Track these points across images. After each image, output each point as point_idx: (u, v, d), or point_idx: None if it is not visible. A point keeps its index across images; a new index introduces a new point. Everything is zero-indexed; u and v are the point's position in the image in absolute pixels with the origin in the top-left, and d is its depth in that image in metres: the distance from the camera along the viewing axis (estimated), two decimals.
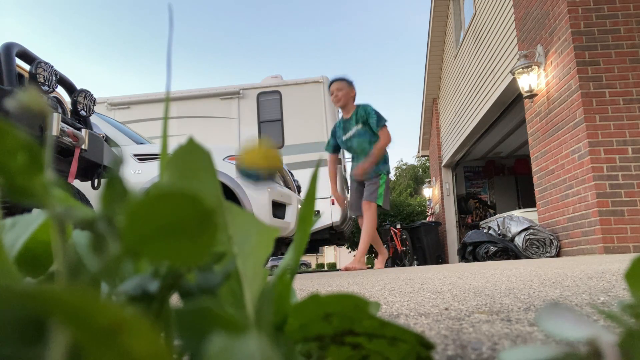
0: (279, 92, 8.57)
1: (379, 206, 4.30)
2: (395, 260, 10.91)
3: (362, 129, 4.29)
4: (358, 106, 4.36)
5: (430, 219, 13.43)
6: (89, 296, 0.18)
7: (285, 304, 0.35)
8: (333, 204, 7.76)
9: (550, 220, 5.62)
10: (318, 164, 0.39)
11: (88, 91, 3.12)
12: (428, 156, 14.94)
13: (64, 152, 2.73)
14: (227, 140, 8.38)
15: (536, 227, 5.60)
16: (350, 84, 4.40)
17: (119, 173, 0.29)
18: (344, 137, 4.40)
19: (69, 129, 2.68)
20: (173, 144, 0.35)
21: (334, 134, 4.53)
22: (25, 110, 0.29)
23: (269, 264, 17.72)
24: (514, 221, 5.88)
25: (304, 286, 2.05)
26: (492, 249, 5.82)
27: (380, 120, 4.24)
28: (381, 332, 0.35)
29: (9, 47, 2.57)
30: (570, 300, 1.04)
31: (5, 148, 0.26)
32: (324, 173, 7.95)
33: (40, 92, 0.31)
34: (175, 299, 0.31)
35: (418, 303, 1.15)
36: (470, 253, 6.26)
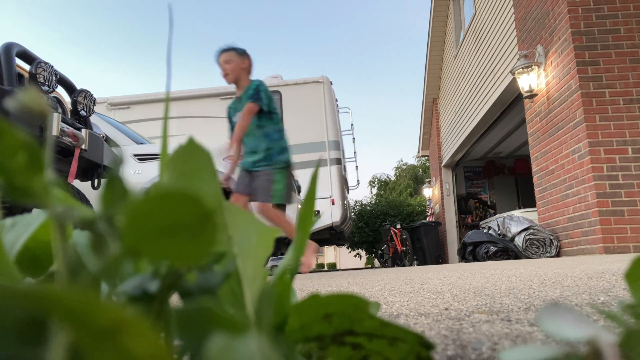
0: (279, 92, 8.57)
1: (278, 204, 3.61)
2: (395, 260, 10.91)
3: None
4: (251, 81, 3.63)
5: (430, 219, 13.43)
6: (89, 296, 0.18)
7: (285, 304, 0.35)
8: (333, 204, 7.77)
9: (550, 220, 5.62)
10: (318, 164, 0.39)
11: (88, 91, 3.12)
12: (428, 156, 14.94)
13: (64, 152, 2.73)
14: (227, 140, 8.37)
15: (536, 227, 5.60)
16: (241, 54, 3.67)
17: (119, 173, 0.29)
18: (234, 119, 3.69)
19: (69, 129, 2.68)
20: (173, 144, 0.35)
21: (228, 116, 3.82)
22: (25, 110, 0.29)
23: (269, 264, 17.72)
24: (514, 221, 5.89)
25: (304, 286, 2.05)
26: (492, 249, 5.82)
27: (254, 98, 3.50)
28: (381, 332, 0.35)
29: (9, 47, 2.58)
30: (570, 300, 1.04)
31: (5, 148, 0.26)
32: (324, 173, 7.98)
33: (40, 92, 0.31)
34: (175, 299, 0.31)
35: (418, 303, 1.15)
36: (470, 253, 6.26)
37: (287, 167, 3.66)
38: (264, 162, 3.58)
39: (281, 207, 3.77)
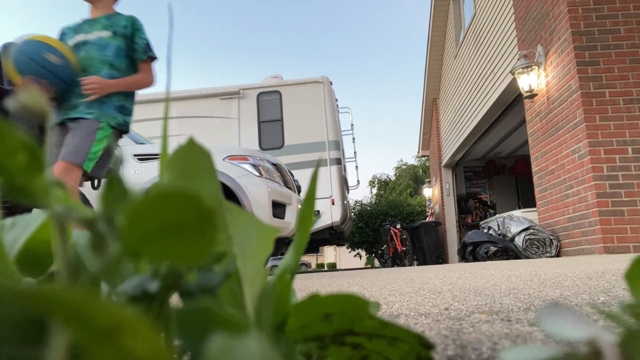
0: (279, 92, 8.57)
1: (88, 175, 2.55)
2: (395, 260, 10.91)
3: (109, 40, 2.67)
4: (120, 14, 2.80)
5: (430, 219, 13.43)
6: (89, 296, 0.18)
7: (285, 304, 0.35)
8: (333, 204, 7.77)
9: (550, 220, 5.62)
10: (318, 164, 0.39)
11: None
12: (428, 156, 14.94)
13: None
14: (227, 140, 8.39)
15: (536, 227, 5.60)
16: None
17: (119, 173, 0.29)
18: (72, 41, 2.71)
19: None
20: (173, 144, 0.35)
21: (61, 37, 2.79)
22: (25, 110, 0.29)
23: (269, 264, 17.73)
24: (514, 221, 5.88)
25: (304, 286, 2.05)
26: (492, 249, 5.81)
27: (151, 50, 2.77)
28: (381, 332, 0.35)
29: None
30: (570, 300, 1.04)
31: (5, 148, 0.26)
32: (324, 173, 7.98)
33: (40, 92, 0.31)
34: (175, 299, 0.31)
35: (418, 303, 1.15)
36: (470, 253, 6.26)
37: (119, 132, 2.73)
38: (94, 110, 2.59)
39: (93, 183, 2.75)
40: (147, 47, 2.78)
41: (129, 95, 2.79)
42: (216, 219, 0.25)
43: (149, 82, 2.81)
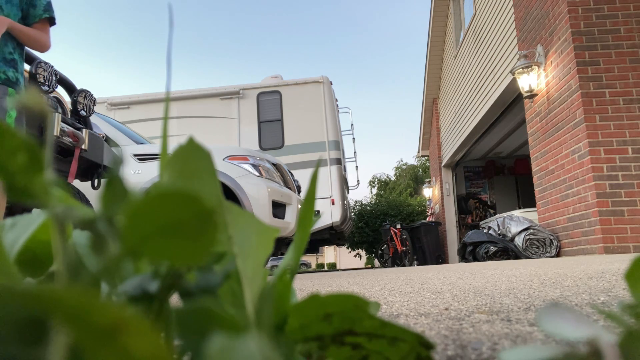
0: (279, 92, 8.57)
1: None
2: (395, 260, 10.90)
3: None
4: None
5: (430, 219, 13.43)
6: (89, 296, 0.18)
7: (285, 304, 0.35)
8: (333, 204, 7.77)
9: (550, 220, 5.62)
10: (318, 164, 0.39)
11: (88, 91, 3.12)
12: (428, 156, 14.94)
13: (64, 152, 2.73)
14: (227, 140, 8.39)
15: (536, 227, 5.60)
16: None
17: (119, 173, 0.29)
18: None
19: (69, 129, 2.68)
20: (173, 144, 0.35)
21: None
22: (25, 110, 0.29)
23: (269, 264, 17.72)
24: (514, 221, 5.88)
25: (304, 286, 2.05)
26: (492, 249, 5.81)
27: (53, 10, 2.44)
28: (381, 332, 0.35)
29: None
30: (570, 300, 1.04)
31: (5, 148, 0.26)
32: (324, 173, 7.98)
33: (40, 92, 0.30)
34: (175, 299, 0.31)
35: (418, 303, 1.15)
36: (470, 253, 6.26)
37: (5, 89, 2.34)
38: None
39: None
40: (49, 5, 2.42)
41: (21, 49, 2.37)
42: (216, 219, 0.25)
43: (45, 44, 2.41)
